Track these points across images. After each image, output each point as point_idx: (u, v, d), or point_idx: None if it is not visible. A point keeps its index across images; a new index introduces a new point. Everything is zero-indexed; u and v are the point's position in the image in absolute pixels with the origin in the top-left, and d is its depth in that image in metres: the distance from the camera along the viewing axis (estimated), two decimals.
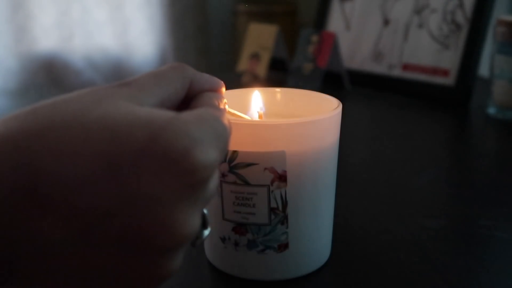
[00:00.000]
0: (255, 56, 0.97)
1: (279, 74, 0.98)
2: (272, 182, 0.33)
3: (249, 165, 0.33)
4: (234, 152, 0.33)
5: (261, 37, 0.99)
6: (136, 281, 0.23)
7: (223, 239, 0.35)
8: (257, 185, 0.33)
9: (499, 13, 0.81)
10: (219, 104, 0.29)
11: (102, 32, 2.10)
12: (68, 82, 2.02)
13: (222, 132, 0.25)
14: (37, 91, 1.98)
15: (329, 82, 0.91)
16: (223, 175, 0.34)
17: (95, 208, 0.21)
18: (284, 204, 0.34)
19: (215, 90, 0.30)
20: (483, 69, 0.87)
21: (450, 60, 0.83)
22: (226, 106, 0.31)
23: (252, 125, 0.33)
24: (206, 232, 0.27)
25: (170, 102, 0.27)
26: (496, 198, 0.50)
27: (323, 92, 0.39)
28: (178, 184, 0.22)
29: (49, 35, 2.00)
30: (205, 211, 0.27)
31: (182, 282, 0.37)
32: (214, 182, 0.25)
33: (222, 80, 0.31)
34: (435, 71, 0.84)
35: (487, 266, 0.38)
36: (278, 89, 0.41)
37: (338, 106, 0.35)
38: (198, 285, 0.37)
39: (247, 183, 0.33)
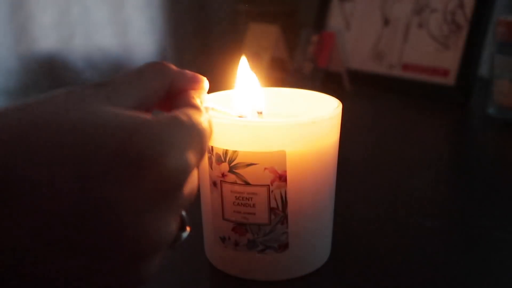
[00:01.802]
0: (255, 56, 0.97)
1: (279, 74, 0.98)
2: (272, 182, 0.33)
3: (249, 165, 0.33)
4: (234, 152, 0.33)
5: (261, 37, 0.99)
6: (116, 286, 0.23)
7: (223, 239, 0.35)
8: (257, 185, 0.33)
9: (499, 13, 0.81)
10: (200, 102, 0.28)
11: (102, 32, 2.10)
12: (68, 82, 2.02)
13: (198, 134, 0.24)
14: (37, 91, 1.98)
15: (329, 82, 0.90)
16: (223, 175, 0.34)
17: (65, 215, 0.20)
18: (284, 204, 0.34)
19: (197, 88, 0.29)
20: (483, 69, 0.87)
21: (450, 60, 0.83)
22: (209, 104, 0.31)
23: (252, 125, 0.33)
24: (185, 234, 0.26)
25: (149, 103, 0.26)
26: (496, 198, 0.50)
27: (323, 92, 0.39)
28: (150, 191, 0.21)
29: (49, 35, 2.00)
30: (183, 213, 0.26)
31: (182, 282, 0.37)
32: (190, 186, 0.25)
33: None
34: (435, 71, 0.84)
35: (487, 266, 0.38)
36: (278, 89, 0.41)
37: (338, 106, 0.35)
38: (198, 285, 0.37)
39: (247, 183, 0.33)
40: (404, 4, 0.91)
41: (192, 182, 0.25)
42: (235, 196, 0.34)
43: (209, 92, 0.31)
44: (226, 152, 0.33)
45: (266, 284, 0.35)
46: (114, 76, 0.25)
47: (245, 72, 0.37)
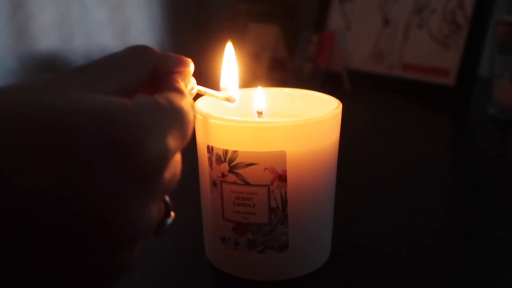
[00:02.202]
0: (255, 56, 0.97)
1: (279, 74, 0.98)
2: (272, 182, 0.33)
3: (249, 165, 0.33)
4: (234, 152, 0.33)
5: (261, 37, 0.99)
6: (94, 276, 0.22)
7: (223, 239, 0.35)
8: (257, 185, 0.33)
9: (499, 13, 0.81)
10: (185, 86, 0.27)
11: (102, 32, 2.10)
12: None
13: (178, 118, 0.24)
14: None
15: (329, 82, 0.90)
16: (223, 175, 0.34)
17: (42, 205, 0.20)
18: (284, 204, 0.34)
19: (182, 70, 0.28)
20: (483, 69, 0.86)
21: (450, 60, 0.83)
22: (196, 86, 0.30)
23: (252, 125, 0.33)
24: (170, 221, 0.26)
25: (131, 88, 0.25)
26: (496, 198, 0.50)
27: (323, 92, 0.39)
28: (129, 178, 0.21)
29: (49, 35, 2.00)
30: (167, 199, 0.26)
31: (182, 282, 0.37)
32: (173, 171, 0.24)
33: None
34: (435, 71, 0.84)
35: (487, 266, 0.38)
36: (278, 89, 0.41)
37: (338, 106, 0.35)
38: (198, 285, 0.37)
39: (247, 183, 0.33)
40: (404, 4, 0.91)
41: (174, 167, 0.24)
42: (235, 196, 0.34)
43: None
44: (226, 152, 0.33)
45: (266, 284, 0.35)
46: (94, 61, 0.25)
47: (230, 58, 0.36)
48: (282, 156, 0.33)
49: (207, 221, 0.37)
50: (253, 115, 0.38)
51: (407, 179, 0.54)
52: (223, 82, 0.35)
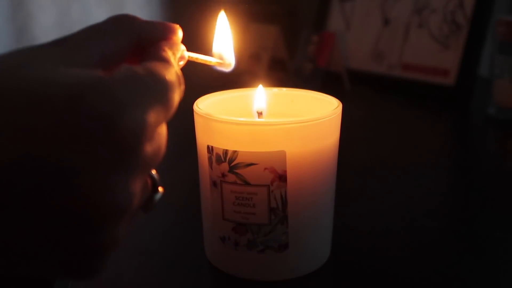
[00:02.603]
0: (255, 56, 0.97)
1: (279, 74, 0.98)
2: (272, 182, 0.33)
3: (249, 165, 0.33)
4: (234, 152, 0.33)
5: (261, 37, 0.99)
6: (79, 254, 0.22)
7: (223, 239, 0.35)
8: (257, 185, 0.33)
9: (499, 13, 0.81)
10: (172, 54, 0.26)
11: None
12: None
13: (159, 88, 0.23)
14: None
15: (329, 82, 0.90)
16: (223, 175, 0.34)
17: (13, 182, 0.19)
18: (284, 204, 0.34)
19: (170, 38, 0.27)
20: (483, 69, 0.86)
21: (450, 60, 0.83)
22: (186, 53, 0.28)
23: (252, 125, 0.33)
24: (158, 196, 0.25)
25: (114, 60, 0.24)
26: (496, 198, 0.50)
27: (323, 92, 0.39)
28: (105, 153, 0.20)
29: (49, 35, 2.00)
30: (154, 174, 0.25)
31: (182, 282, 0.37)
32: (157, 144, 0.23)
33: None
34: (435, 71, 0.84)
35: (487, 266, 0.38)
36: (278, 89, 0.41)
37: (338, 106, 0.35)
38: (198, 285, 0.37)
39: (247, 183, 0.33)
40: (404, 4, 0.91)
41: (158, 140, 0.23)
42: (235, 196, 0.34)
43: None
44: (226, 152, 0.33)
45: (266, 284, 0.35)
46: (74, 33, 0.24)
47: (223, 24, 0.35)
48: (282, 156, 0.33)
49: (207, 221, 0.37)
50: (253, 115, 0.38)
51: (407, 179, 0.54)
52: (216, 48, 0.33)
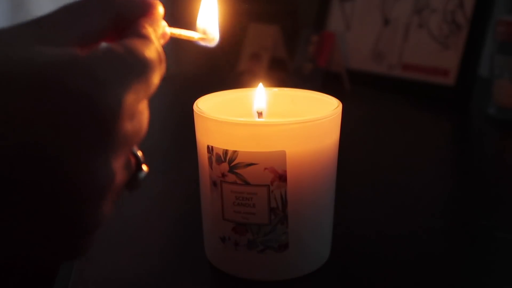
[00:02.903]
0: (255, 56, 0.97)
1: (279, 74, 0.98)
2: (272, 182, 0.33)
3: (249, 165, 0.33)
4: (234, 152, 0.33)
5: (261, 37, 0.99)
6: (62, 234, 0.22)
7: (223, 239, 0.35)
8: (257, 185, 0.33)
9: (499, 13, 0.81)
10: (152, 31, 0.26)
11: None
12: None
13: (138, 66, 0.23)
14: None
15: (329, 82, 0.90)
16: (223, 175, 0.34)
17: None
18: (284, 204, 0.34)
19: (150, 15, 0.26)
20: (483, 69, 0.86)
21: (450, 60, 0.83)
22: (168, 29, 0.28)
23: (252, 125, 0.33)
24: (142, 175, 0.25)
25: (92, 39, 0.24)
26: (496, 198, 0.50)
27: (323, 92, 0.39)
28: (84, 132, 0.20)
29: None
30: (137, 152, 0.25)
31: (182, 282, 0.37)
32: (137, 123, 0.23)
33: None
34: (435, 71, 0.84)
35: (487, 266, 0.38)
36: (278, 89, 0.41)
37: (338, 106, 0.35)
38: (198, 285, 0.37)
39: (247, 183, 0.33)
40: (404, 4, 0.91)
41: (139, 118, 0.23)
42: (235, 196, 0.34)
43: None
44: (226, 152, 0.33)
45: (266, 284, 0.35)
46: (52, 12, 0.23)
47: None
48: (282, 156, 0.33)
49: (207, 221, 0.37)
50: (253, 115, 0.38)
51: (407, 179, 0.54)
52: (200, 22, 0.32)
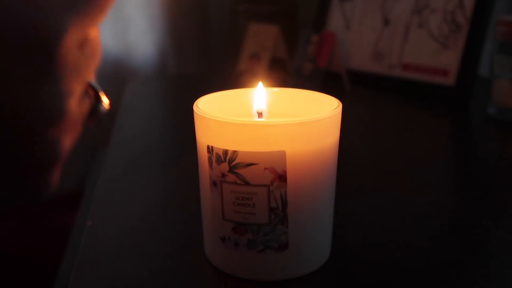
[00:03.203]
0: (255, 56, 0.97)
1: (279, 74, 0.98)
2: (272, 182, 0.33)
3: (249, 165, 0.33)
4: (234, 152, 0.33)
5: (261, 37, 0.99)
6: (27, 168, 0.21)
7: (223, 239, 0.35)
8: (257, 185, 0.33)
9: (499, 13, 0.81)
10: None
11: (102, 32, 2.10)
12: None
13: None
14: None
15: (329, 82, 0.90)
16: (223, 175, 0.34)
17: None
18: (284, 204, 0.34)
19: None
20: (483, 69, 0.86)
21: (450, 60, 0.83)
22: None
23: (252, 125, 0.33)
24: (102, 108, 0.25)
25: None
26: (496, 198, 0.50)
27: (323, 92, 0.39)
28: (26, 58, 0.20)
29: None
30: (94, 84, 0.24)
31: (182, 282, 0.37)
32: (87, 49, 0.23)
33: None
34: (435, 71, 0.84)
35: (487, 266, 0.38)
36: (278, 89, 0.41)
37: (338, 106, 0.35)
38: (198, 285, 0.37)
39: (247, 183, 0.33)
40: (404, 4, 0.91)
41: (90, 44, 0.23)
42: (235, 196, 0.34)
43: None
44: (226, 152, 0.33)
45: (266, 284, 0.35)
46: None
47: None
48: (282, 156, 0.33)
49: (207, 221, 0.37)
50: (253, 115, 0.38)
51: (407, 179, 0.54)
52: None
